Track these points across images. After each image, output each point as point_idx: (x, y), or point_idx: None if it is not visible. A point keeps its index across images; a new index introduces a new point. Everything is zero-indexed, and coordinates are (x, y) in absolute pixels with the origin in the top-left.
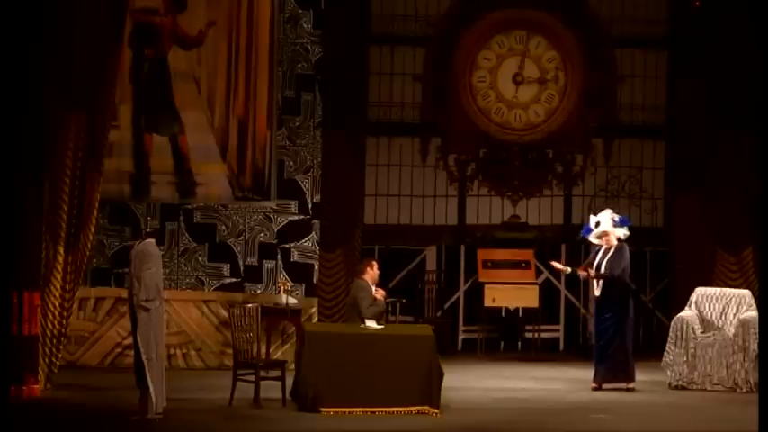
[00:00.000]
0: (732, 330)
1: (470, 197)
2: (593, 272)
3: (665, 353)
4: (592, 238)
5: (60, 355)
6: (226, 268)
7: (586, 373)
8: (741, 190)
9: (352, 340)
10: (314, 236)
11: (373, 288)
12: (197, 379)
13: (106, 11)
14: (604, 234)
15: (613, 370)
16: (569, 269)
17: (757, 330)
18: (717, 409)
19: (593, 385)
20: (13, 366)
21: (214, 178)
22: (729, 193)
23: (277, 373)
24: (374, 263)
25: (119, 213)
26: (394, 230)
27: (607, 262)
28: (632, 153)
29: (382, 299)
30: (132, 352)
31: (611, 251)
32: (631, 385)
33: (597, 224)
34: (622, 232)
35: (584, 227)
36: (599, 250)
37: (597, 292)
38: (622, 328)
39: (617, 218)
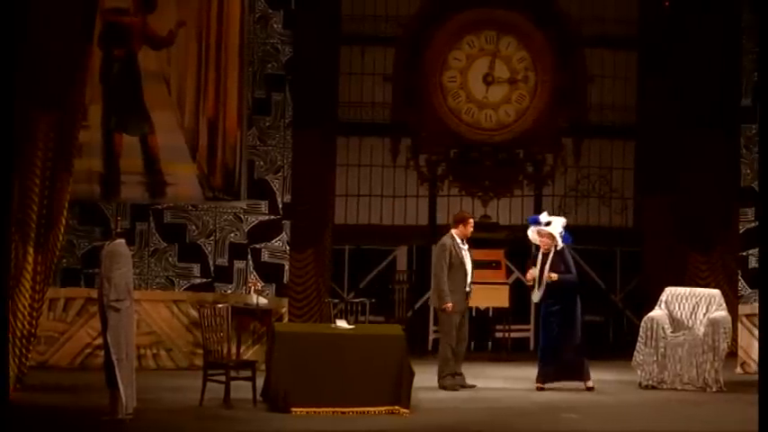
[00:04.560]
0: (702, 330)
1: (441, 197)
2: (552, 275)
3: (636, 353)
4: (531, 233)
5: (30, 356)
6: (196, 268)
7: None
8: (711, 189)
9: (322, 340)
10: (284, 236)
11: (461, 244)
12: (167, 379)
13: (76, 11)
14: (550, 237)
15: (564, 368)
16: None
17: (726, 330)
18: (687, 408)
19: (538, 385)
20: None
21: (184, 178)
22: (699, 192)
23: (247, 373)
24: (471, 221)
25: (89, 213)
26: (364, 230)
27: (552, 265)
28: (602, 153)
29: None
30: (102, 352)
31: (552, 254)
32: (590, 384)
33: (548, 224)
34: (561, 244)
35: (532, 217)
36: (537, 254)
37: (536, 299)
38: (570, 323)
39: (564, 232)
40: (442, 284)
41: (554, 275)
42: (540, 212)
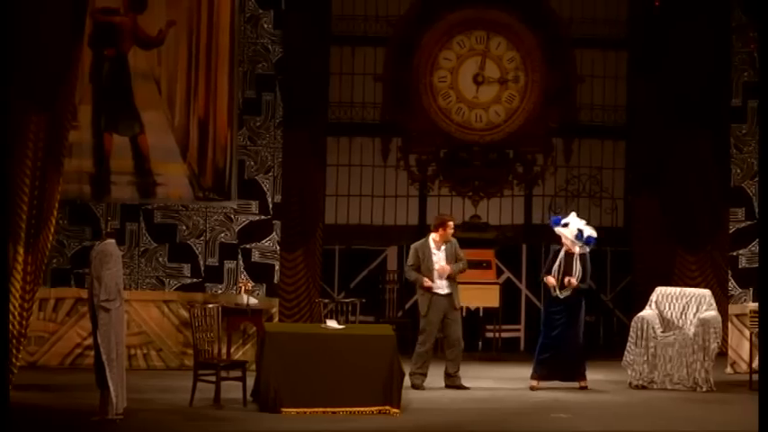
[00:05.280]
0: (692, 330)
1: (431, 197)
2: (574, 281)
3: (626, 352)
4: (557, 230)
5: (20, 356)
6: (186, 268)
7: None
8: (701, 189)
9: (313, 340)
10: (275, 236)
11: (437, 252)
12: (158, 379)
13: (66, 10)
14: (567, 239)
15: (561, 368)
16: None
17: (716, 330)
18: (677, 408)
19: (533, 383)
20: None
21: (174, 178)
22: (689, 192)
23: (238, 373)
24: (450, 223)
25: (79, 214)
26: (355, 230)
27: (579, 270)
28: (592, 153)
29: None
30: (92, 352)
31: (576, 257)
32: (584, 384)
33: (565, 225)
34: (580, 248)
35: (555, 217)
36: (559, 251)
37: (561, 296)
38: (576, 326)
39: (586, 233)
40: (408, 276)
41: (573, 280)
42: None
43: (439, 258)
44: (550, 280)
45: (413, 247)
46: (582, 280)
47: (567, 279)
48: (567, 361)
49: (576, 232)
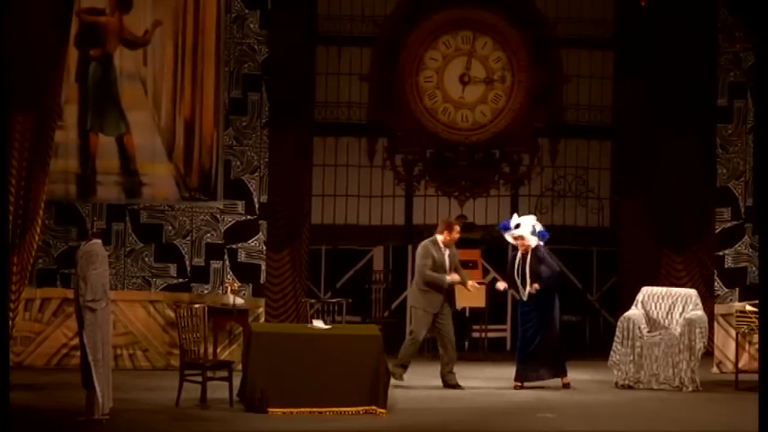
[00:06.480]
0: (678, 330)
1: (417, 197)
2: (534, 286)
3: (612, 352)
4: (508, 237)
5: None
6: (172, 268)
7: None
8: (687, 189)
9: (299, 341)
10: (261, 236)
11: (445, 251)
12: (144, 379)
13: (52, 11)
14: (521, 238)
15: (541, 367)
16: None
17: (702, 330)
18: (663, 408)
19: (516, 384)
20: None
21: (160, 178)
22: (675, 192)
23: (224, 373)
24: (457, 228)
25: (65, 214)
26: (341, 230)
27: (531, 267)
28: (578, 153)
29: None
30: (78, 353)
31: (530, 256)
32: (567, 381)
33: (518, 225)
34: (535, 241)
35: (502, 222)
36: (516, 255)
37: (525, 297)
38: (548, 322)
39: (538, 227)
40: (430, 277)
41: (536, 285)
42: (514, 213)
43: (447, 258)
44: (500, 286)
45: (426, 246)
46: (547, 274)
47: (533, 287)
48: (547, 358)
49: (530, 228)
